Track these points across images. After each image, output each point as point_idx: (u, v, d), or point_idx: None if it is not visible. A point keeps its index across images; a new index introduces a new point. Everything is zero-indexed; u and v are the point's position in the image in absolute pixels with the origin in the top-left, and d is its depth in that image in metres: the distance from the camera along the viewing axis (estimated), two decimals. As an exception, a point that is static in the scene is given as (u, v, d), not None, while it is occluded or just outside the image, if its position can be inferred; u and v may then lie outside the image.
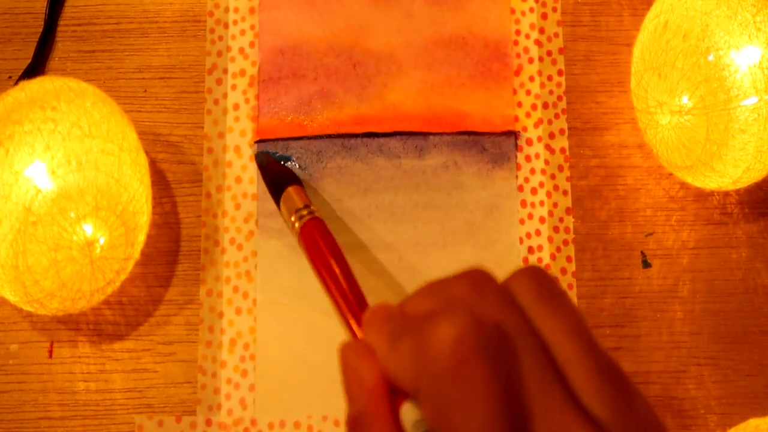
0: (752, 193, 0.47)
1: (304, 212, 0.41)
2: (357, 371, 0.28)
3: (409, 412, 0.25)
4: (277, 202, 0.43)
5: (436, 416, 0.24)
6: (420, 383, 0.25)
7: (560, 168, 0.47)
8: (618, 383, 0.26)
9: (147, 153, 0.44)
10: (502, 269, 0.45)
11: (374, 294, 0.45)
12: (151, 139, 0.47)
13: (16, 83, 0.42)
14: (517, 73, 0.48)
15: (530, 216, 0.46)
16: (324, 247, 0.39)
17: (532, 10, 0.49)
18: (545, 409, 0.24)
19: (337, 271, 0.38)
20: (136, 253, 0.42)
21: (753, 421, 0.40)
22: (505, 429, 0.24)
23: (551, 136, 0.47)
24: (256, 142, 0.47)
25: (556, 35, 0.49)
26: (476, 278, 0.27)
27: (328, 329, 0.45)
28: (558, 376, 0.25)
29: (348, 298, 0.37)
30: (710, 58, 0.40)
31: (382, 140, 0.47)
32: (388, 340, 0.27)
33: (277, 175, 0.45)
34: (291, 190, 0.43)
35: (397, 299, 0.45)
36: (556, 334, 0.26)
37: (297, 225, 0.41)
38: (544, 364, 0.25)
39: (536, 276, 0.28)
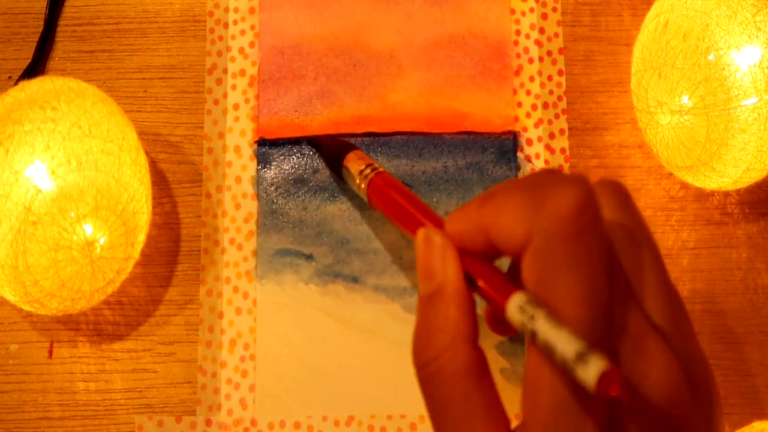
0: (752, 193, 0.47)
1: (367, 171, 0.41)
2: (442, 247, 0.28)
3: (516, 299, 0.25)
4: (340, 176, 0.44)
5: (542, 274, 0.25)
6: (530, 239, 0.25)
7: (560, 168, 0.47)
8: (680, 306, 0.27)
9: (147, 153, 0.44)
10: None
11: (374, 293, 0.45)
12: (151, 139, 0.47)
13: (16, 83, 0.42)
14: (517, 73, 0.48)
15: (530, 216, 0.46)
16: (393, 194, 0.38)
17: (532, 10, 0.49)
18: (626, 305, 0.25)
19: (413, 210, 0.37)
20: (136, 253, 0.42)
21: (758, 425, 0.40)
22: (605, 305, 0.24)
23: (551, 136, 0.47)
24: (256, 142, 0.47)
25: (556, 35, 0.49)
26: (578, 175, 0.27)
27: (328, 329, 0.45)
28: (634, 284, 0.26)
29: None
30: (710, 57, 0.40)
31: (382, 140, 0.47)
32: (481, 201, 0.27)
33: (330, 151, 0.45)
34: (350, 157, 0.43)
35: (397, 298, 0.45)
36: (638, 245, 0.27)
37: (363, 186, 0.41)
38: (632, 263, 0.26)
39: (621, 189, 0.29)
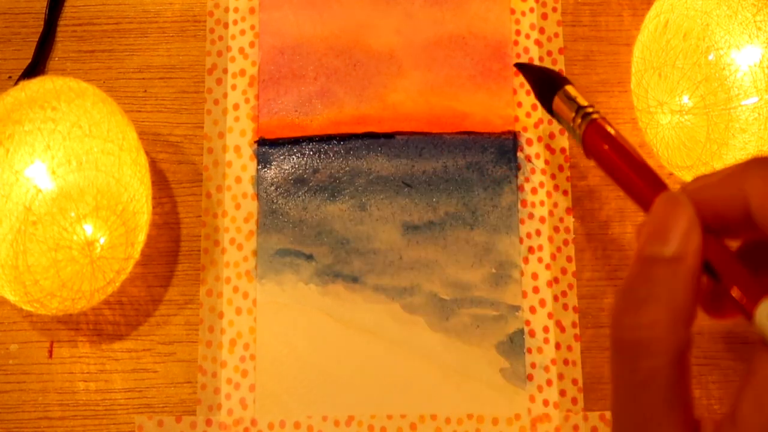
0: (752, 193, 0.47)
1: (590, 110, 0.38)
2: (690, 217, 0.26)
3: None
4: (550, 103, 0.41)
5: None
6: None
7: (560, 168, 0.47)
8: None
9: (147, 153, 0.44)
10: (502, 269, 0.45)
11: (374, 293, 0.45)
12: (151, 139, 0.47)
13: (16, 83, 0.42)
14: (517, 73, 0.48)
15: (530, 216, 0.46)
16: (619, 141, 0.35)
17: (532, 10, 0.49)
18: None
19: (639, 159, 0.34)
20: (136, 253, 0.42)
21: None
22: None
23: (551, 136, 0.47)
24: (256, 141, 0.47)
25: (556, 35, 0.49)
26: None
27: (328, 329, 0.45)
28: None
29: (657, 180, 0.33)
30: (710, 57, 0.40)
31: (382, 140, 0.47)
32: (747, 165, 0.25)
33: (545, 74, 0.42)
34: (569, 89, 0.40)
35: (397, 298, 0.45)
36: None
37: (579, 132, 0.38)
38: None
39: None
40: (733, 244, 0.29)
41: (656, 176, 0.33)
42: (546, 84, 0.42)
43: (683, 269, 0.26)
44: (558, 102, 0.40)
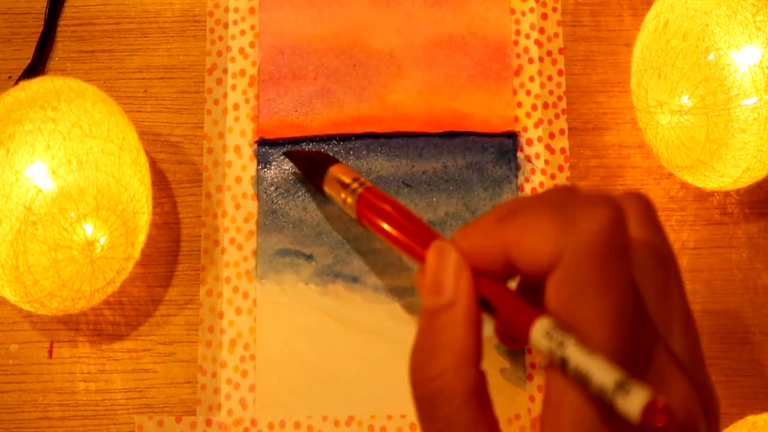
0: (752, 193, 0.47)
1: (355, 185, 0.40)
2: (456, 262, 0.27)
3: (541, 325, 0.24)
4: (321, 188, 0.42)
5: (570, 295, 0.24)
6: (559, 259, 0.24)
7: (560, 168, 0.47)
8: (696, 331, 0.27)
9: (147, 153, 0.44)
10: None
11: (374, 293, 0.45)
12: (151, 139, 0.47)
13: (16, 83, 0.42)
14: (517, 73, 0.48)
15: (530, 216, 0.46)
16: (389, 211, 0.37)
17: (532, 10, 0.49)
18: (647, 331, 0.25)
19: (414, 228, 0.35)
20: (137, 253, 0.42)
21: (750, 418, 0.40)
22: (632, 331, 0.24)
23: (551, 136, 0.47)
24: (256, 142, 0.47)
25: (556, 35, 0.49)
26: (603, 193, 0.26)
27: (328, 329, 0.45)
28: (658, 308, 0.26)
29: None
30: (710, 57, 0.40)
31: (382, 140, 0.47)
32: (499, 218, 0.27)
33: (311, 161, 0.44)
34: (332, 171, 0.41)
35: (397, 298, 0.45)
36: (664, 267, 0.26)
37: (350, 201, 0.39)
38: (656, 286, 0.26)
39: (647, 204, 0.28)
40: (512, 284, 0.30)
41: (429, 230, 0.34)
42: (315, 167, 0.44)
43: (459, 311, 0.27)
44: (328, 181, 0.42)
